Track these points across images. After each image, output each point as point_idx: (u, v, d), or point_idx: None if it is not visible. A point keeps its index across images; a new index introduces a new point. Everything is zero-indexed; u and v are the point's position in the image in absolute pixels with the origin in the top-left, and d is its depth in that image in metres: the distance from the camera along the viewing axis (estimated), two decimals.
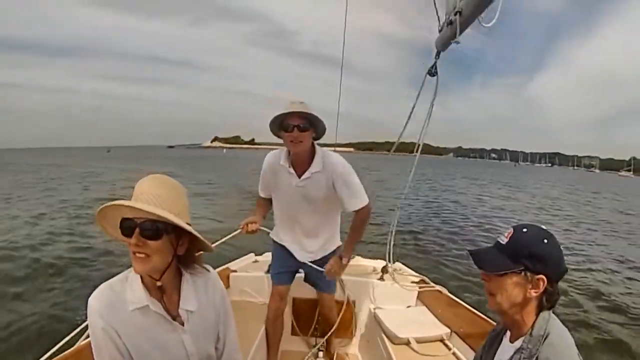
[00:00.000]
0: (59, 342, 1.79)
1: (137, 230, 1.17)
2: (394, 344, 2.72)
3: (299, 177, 2.42)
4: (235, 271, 3.45)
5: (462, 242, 11.32)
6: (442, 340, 2.74)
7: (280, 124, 2.28)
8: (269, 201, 2.73)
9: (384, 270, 3.51)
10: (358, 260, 3.89)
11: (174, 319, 1.31)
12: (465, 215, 16.52)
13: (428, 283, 3.42)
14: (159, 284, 1.27)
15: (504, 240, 1.24)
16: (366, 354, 3.21)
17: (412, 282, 3.49)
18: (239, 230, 2.65)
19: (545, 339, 1.16)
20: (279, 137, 2.35)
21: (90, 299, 1.23)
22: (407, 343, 2.69)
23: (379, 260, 3.92)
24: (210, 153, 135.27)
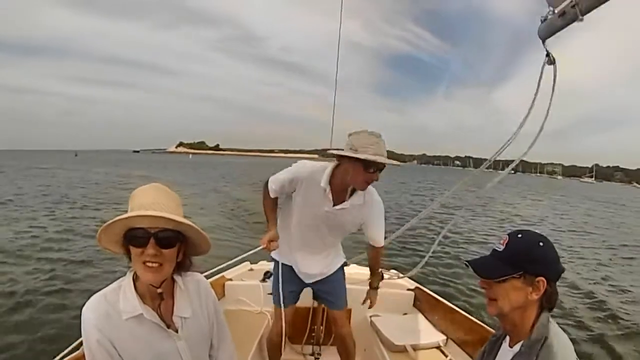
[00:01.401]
0: (55, 356, 1.75)
1: (152, 239, 1.18)
2: (391, 351, 2.72)
3: (334, 204, 2.30)
4: (230, 280, 3.42)
5: (457, 249, 11.36)
6: (438, 347, 2.74)
7: (353, 148, 2.08)
8: (276, 203, 2.52)
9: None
10: (354, 268, 3.88)
11: (168, 326, 1.31)
12: (457, 223, 16.54)
13: (424, 290, 3.43)
14: (159, 291, 1.28)
15: (500, 247, 1.26)
16: None
17: (408, 289, 3.51)
18: (260, 247, 2.43)
19: (543, 343, 1.18)
20: (338, 159, 2.20)
21: (84, 310, 1.22)
22: (404, 350, 2.69)
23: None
24: (178, 158, 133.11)
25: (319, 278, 2.60)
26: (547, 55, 2.38)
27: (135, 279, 1.28)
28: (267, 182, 2.42)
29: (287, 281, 2.53)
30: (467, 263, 1.29)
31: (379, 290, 3.42)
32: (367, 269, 3.85)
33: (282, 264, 2.53)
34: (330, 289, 2.65)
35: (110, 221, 1.17)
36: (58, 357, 1.71)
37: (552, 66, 2.41)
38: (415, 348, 2.69)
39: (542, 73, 2.45)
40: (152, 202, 1.21)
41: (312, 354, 3.14)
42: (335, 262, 2.68)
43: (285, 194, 2.42)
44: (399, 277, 3.79)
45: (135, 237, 1.19)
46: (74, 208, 14.84)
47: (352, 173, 2.13)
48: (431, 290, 3.41)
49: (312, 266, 2.55)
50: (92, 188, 22.68)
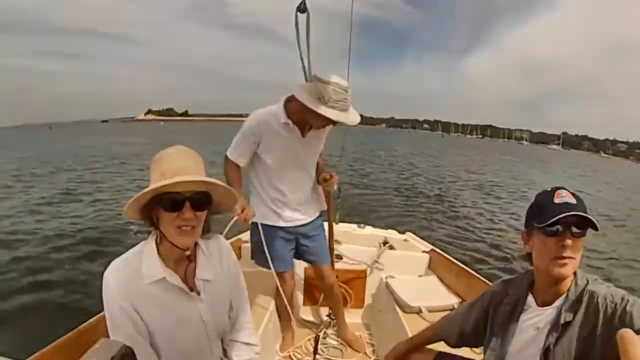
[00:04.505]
0: (77, 326, 1.71)
1: (188, 203, 1.17)
2: (406, 312, 2.72)
3: (302, 134, 2.32)
4: (246, 242, 3.33)
5: (471, 211, 11.76)
6: (453, 310, 2.62)
7: (321, 99, 2.00)
8: (241, 174, 2.46)
9: (395, 239, 3.56)
10: (369, 230, 3.89)
11: (191, 289, 1.30)
12: (469, 188, 17.55)
13: (439, 252, 3.40)
14: (188, 253, 1.27)
15: (572, 201, 1.21)
16: (378, 322, 3.19)
17: (423, 251, 3.49)
18: (234, 219, 2.21)
19: (587, 286, 1.20)
20: (303, 104, 2.04)
21: (105, 274, 1.20)
22: (419, 312, 2.70)
23: (390, 230, 3.97)
24: (151, 126, 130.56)
25: (309, 219, 2.58)
26: (302, 2, 2.35)
27: (159, 242, 1.26)
28: (226, 158, 2.38)
29: (284, 242, 2.54)
30: (574, 215, 1.18)
31: (395, 252, 3.44)
32: (382, 230, 3.95)
33: (270, 225, 2.49)
34: (315, 243, 2.63)
35: (147, 189, 1.14)
36: (80, 327, 1.69)
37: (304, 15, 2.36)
38: (430, 310, 2.70)
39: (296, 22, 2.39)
40: (183, 166, 1.18)
41: (328, 315, 3.09)
42: (321, 199, 2.68)
43: (251, 155, 2.39)
44: (413, 240, 3.82)
45: (169, 202, 1.16)
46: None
47: (312, 118, 2.13)
48: (446, 253, 3.39)
49: (304, 208, 2.55)
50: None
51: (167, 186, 1.13)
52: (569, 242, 1.18)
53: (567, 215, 1.17)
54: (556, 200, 1.22)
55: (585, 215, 1.17)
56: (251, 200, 2.50)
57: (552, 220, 1.18)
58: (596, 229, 1.19)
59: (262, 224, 2.46)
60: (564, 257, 1.19)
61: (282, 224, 2.49)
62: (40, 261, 6.24)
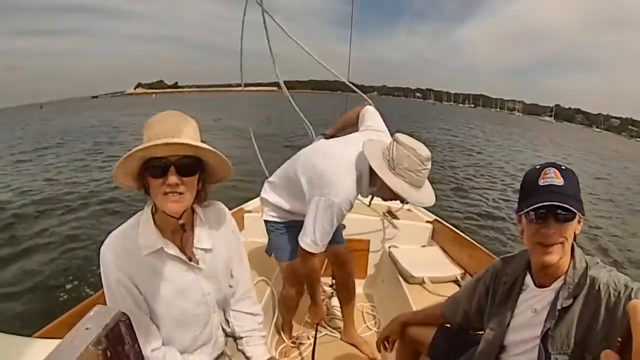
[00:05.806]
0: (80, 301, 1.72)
1: (173, 168, 1.11)
2: (409, 283, 2.71)
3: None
4: (250, 212, 3.36)
5: (474, 182, 11.69)
6: (456, 281, 2.73)
7: (390, 163, 1.76)
8: None
9: (398, 209, 3.48)
10: (372, 199, 3.84)
11: (190, 259, 1.28)
12: (471, 156, 18.05)
13: (442, 223, 3.37)
14: (181, 222, 1.23)
15: (558, 182, 1.13)
16: (381, 293, 3.20)
17: (427, 221, 3.45)
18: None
19: (587, 269, 1.15)
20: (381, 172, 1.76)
21: (102, 249, 1.17)
22: (422, 283, 2.69)
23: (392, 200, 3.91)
24: (142, 99, 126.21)
25: None
26: None
27: (154, 212, 1.23)
28: (307, 254, 1.97)
29: (293, 234, 2.23)
30: (556, 206, 1.10)
31: (398, 222, 3.36)
32: (384, 201, 3.86)
33: (289, 220, 2.26)
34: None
35: (127, 154, 1.07)
36: (84, 302, 1.69)
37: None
38: (433, 281, 2.69)
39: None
40: (169, 130, 1.11)
41: (331, 286, 3.00)
42: None
43: None
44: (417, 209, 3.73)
45: (154, 167, 1.11)
46: None
47: (378, 186, 1.87)
48: (449, 224, 3.35)
49: None
50: None
51: (150, 150, 1.08)
52: (551, 229, 1.13)
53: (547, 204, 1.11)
54: (540, 182, 1.15)
55: (564, 205, 1.09)
56: (267, 201, 2.29)
57: (529, 208, 1.13)
58: (582, 213, 1.12)
59: (278, 221, 2.27)
60: (548, 245, 1.14)
61: (296, 218, 2.18)
62: None
